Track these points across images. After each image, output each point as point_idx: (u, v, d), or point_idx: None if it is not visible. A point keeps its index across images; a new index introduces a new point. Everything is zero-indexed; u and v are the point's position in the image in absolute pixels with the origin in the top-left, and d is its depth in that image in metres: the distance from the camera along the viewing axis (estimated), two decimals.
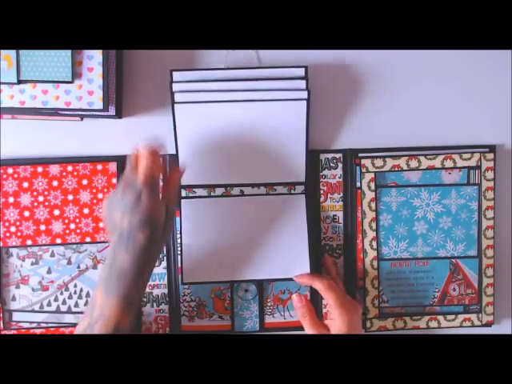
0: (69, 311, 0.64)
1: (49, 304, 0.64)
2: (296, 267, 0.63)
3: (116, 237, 0.53)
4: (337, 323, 0.58)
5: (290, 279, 0.63)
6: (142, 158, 0.54)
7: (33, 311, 0.64)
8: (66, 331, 0.63)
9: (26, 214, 0.63)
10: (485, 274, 0.66)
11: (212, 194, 0.64)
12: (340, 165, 0.65)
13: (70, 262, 0.64)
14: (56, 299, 0.64)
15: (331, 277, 0.64)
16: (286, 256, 0.63)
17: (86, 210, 0.63)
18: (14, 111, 0.59)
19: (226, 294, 0.65)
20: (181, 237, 0.63)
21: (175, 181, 0.59)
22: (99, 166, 0.63)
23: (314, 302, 0.65)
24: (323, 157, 0.65)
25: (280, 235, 0.63)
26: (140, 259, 0.52)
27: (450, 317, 0.66)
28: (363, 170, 0.65)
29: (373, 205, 0.65)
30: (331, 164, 0.65)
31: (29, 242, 0.63)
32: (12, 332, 0.63)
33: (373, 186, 0.65)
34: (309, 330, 0.61)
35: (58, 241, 0.63)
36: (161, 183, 0.58)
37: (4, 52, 0.57)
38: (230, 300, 0.65)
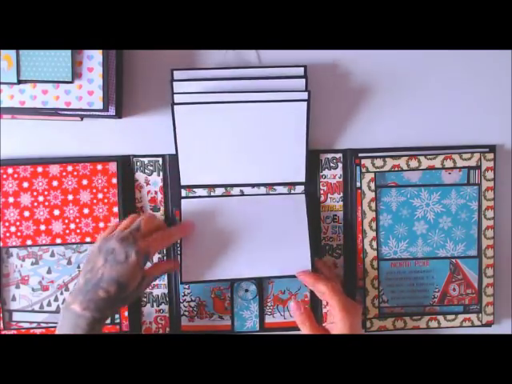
0: None
1: (49, 304, 0.64)
2: (297, 267, 0.62)
3: (82, 281, 0.54)
4: (338, 327, 0.57)
5: (293, 276, 0.62)
6: (163, 235, 0.57)
7: (33, 311, 0.64)
8: None
9: (26, 213, 0.63)
10: (485, 274, 0.66)
11: (212, 193, 0.64)
12: (340, 165, 0.65)
13: (70, 262, 0.64)
14: (56, 299, 0.64)
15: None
16: (287, 255, 0.63)
17: (86, 210, 0.63)
18: (14, 111, 0.59)
19: (226, 294, 0.65)
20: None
21: (164, 268, 0.62)
22: (99, 166, 0.63)
23: (314, 301, 0.65)
24: (323, 157, 0.65)
25: (281, 235, 0.63)
26: (92, 313, 0.52)
27: (450, 317, 0.66)
28: (363, 169, 0.65)
29: (373, 205, 0.65)
30: (331, 164, 0.65)
31: (29, 242, 0.63)
32: (12, 332, 0.63)
33: (373, 185, 0.65)
34: None
35: (58, 241, 0.63)
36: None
37: (4, 52, 0.57)
38: (230, 300, 0.65)
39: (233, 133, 0.62)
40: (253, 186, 0.64)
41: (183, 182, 0.63)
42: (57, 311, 0.64)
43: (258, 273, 0.63)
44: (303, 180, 0.64)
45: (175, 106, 0.60)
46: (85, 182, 0.63)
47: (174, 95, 0.60)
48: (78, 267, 0.64)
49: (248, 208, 0.63)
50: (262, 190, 0.64)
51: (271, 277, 0.64)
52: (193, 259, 0.62)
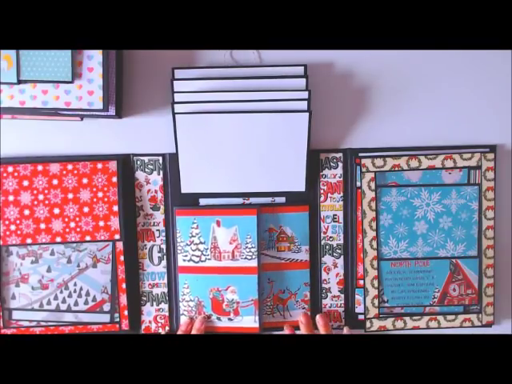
0: (68, 310, 0.64)
1: (48, 302, 0.64)
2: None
3: None
4: None
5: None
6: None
7: (32, 310, 0.64)
8: (66, 330, 0.64)
9: (26, 212, 0.63)
10: (485, 275, 0.66)
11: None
12: (340, 164, 0.65)
13: (69, 261, 0.64)
14: (56, 298, 0.64)
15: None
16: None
17: (85, 209, 0.63)
18: (14, 111, 0.59)
19: (225, 295, 0.64)
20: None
21: None
22: (99, 165, 0.63)
23: (314, 302, 0.66)
24: (323, 156, 0.65)
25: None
26: None
27: (450, 317, 0.66)
28: (363, 169, 0.65)
29: (373, 204, 0.65)
30: (331, 163, 0.65)
31: (29, 241, 0.63)
32: (12, 330, 0.64)
33: (373, 185, 0.65)
34: None
35: (58, 239, 0.63)
36: None
37: (4, 52, 0.57)
38: (228, 302, 0.64)
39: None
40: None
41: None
42: (56, 310, 0.64)
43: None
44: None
45: (175, 105, 0.60)
46: (85, 180, 0.63)
47: (175, 94, 0.60)
48: (78, 266, 0.64)
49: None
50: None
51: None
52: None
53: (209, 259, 0.64)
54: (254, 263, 0.63)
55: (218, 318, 0.65)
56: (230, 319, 0.64)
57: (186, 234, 0.64)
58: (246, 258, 0.63)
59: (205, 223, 0.64)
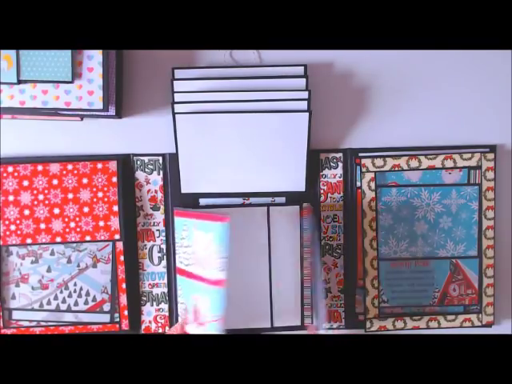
0: (68, 310, 0.64)
1: (48, 302, 0.64)
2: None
3: None
4: None
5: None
6: None
7: (32, 310, 0.64)
8: (66, 330, 0.64)
9: (26, 212, 0.63)
10: (485, 275, 0.66)
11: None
12: (340, 164, 0.65)
13: (69, 261, 0.64)
14: (56, 298, 0.64)
15: None
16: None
17: (85, 209, 0.63)
18: (14, 111, 0.59)
19: (201, 304, 0.58)
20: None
21: None
22: (99, 165, 0.63)
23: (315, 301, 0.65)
24: (323, 156, 0.65)
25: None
26: None
27: (450, 317, 0.66)
28: (363, 169, 0.65)
29: (373, 204, 0.65)
30: (331, 163, 0.65)
31: (29, 241, 0.63)
32: (12, 330, 0.63)
33: (373, 185, 0.65)
34: None
35: (58, 239, 0.63)
36: None
37: (4, 52, 0.57)
38: (203, 312, 0.58)
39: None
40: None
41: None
42: (56, 310, 0.64)
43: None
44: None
45: (175, 105, 0.60)
46: (85, 180, 0.63)
47: (175, 94, 0.61)
48: (78, 266, 0.64)
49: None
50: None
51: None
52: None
53: (193, 264, 0.59)
54: (223, 275, 0.55)
55: (197, 327, 0.59)
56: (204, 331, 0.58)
57: (180, 236, 0.63)
58: (216, 269, 0.55)
59: (191, 226, 0.60)
